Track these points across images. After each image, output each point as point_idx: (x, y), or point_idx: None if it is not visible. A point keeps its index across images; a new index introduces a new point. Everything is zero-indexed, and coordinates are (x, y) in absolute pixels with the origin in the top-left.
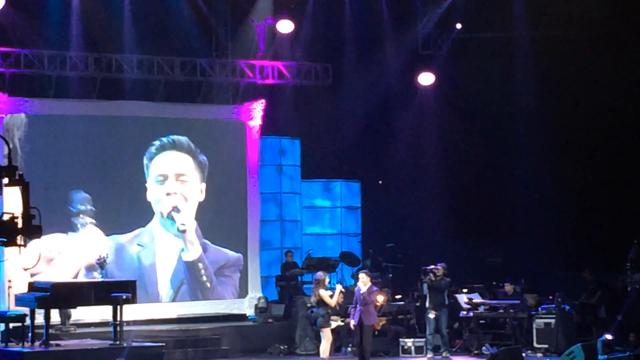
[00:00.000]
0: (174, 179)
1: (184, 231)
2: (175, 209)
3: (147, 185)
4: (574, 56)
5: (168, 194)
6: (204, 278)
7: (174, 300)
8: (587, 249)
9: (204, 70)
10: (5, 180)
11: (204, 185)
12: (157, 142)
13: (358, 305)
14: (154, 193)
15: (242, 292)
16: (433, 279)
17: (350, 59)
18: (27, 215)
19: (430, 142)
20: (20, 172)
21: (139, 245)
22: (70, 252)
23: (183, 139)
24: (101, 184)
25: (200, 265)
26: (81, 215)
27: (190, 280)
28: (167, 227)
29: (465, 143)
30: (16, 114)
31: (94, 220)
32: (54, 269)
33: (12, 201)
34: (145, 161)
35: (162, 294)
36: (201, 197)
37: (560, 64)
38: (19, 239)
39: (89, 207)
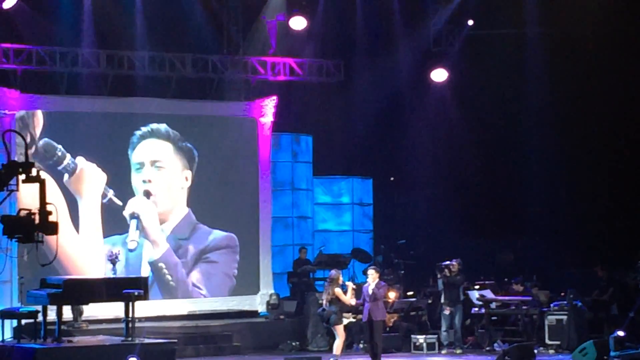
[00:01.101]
0: (149, 165)
1: (131, 250)
2: (133, 215)
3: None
4: (585, 52)
5: (144, 181)
6: (168, 277)
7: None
8: (599, 245)
9: (215, 67)
10: (23, 177)
11: (188, 172)
12: (137, 132)
13: (366, 302)
14: (134, 182)
15: (254, 288)
16: (448, 275)
17: (362, 56)
18: (44, 211)
19: (443, 138)
20: (38, 169)
21: (132, 241)
22: None
23: (162, 126)
24: (112, 180)
25: (162, 265)
26: None
27: (156, 280)
28: None
29: (478, 140)
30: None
31: None
32: None
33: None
34: (129, 152)
35: None
36: (186, 184)
37: (572, 60)
38: (36, 236)
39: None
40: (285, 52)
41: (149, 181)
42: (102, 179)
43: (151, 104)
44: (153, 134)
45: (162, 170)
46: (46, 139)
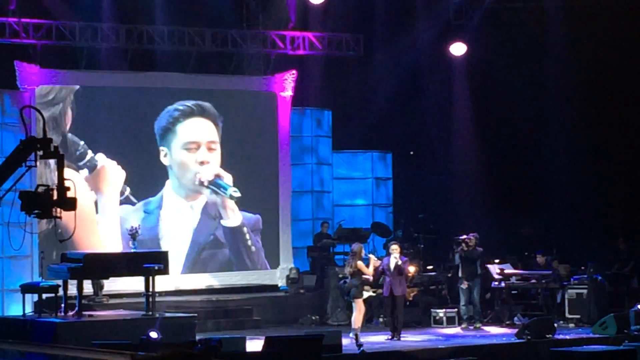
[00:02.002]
0: (206, 147)
1: (238, 197)
2: (218, 177)
3: (166, 148)
4: (606, 24)
5: (202, 163)
6: (249, 242)
7: (193, 266)
8: (621, 218)
9: (235, 41)
10: (41, 153)
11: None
12: (181, 107)
13: (387, 276)
14: (179, 159)
15: (274, 263)
16: (465, 249)
17: (382, 30)
18: (61, 187)
19: (462, 112)
20: (55, 144)
21: (145, 212)
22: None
23: (208, 105)
24: (132, 155)
25: (245, 229)
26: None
27: (235, 246)
28: (207, 194)
29: (497, 113)
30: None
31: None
32: None
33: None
34: (165, 124)
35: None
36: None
37: (593, 31)
38: (54, 211)
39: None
40: (304, 26)
41: (207, 162)
42: (121, 176)
43: (171, 79)
44: (203, 112)
45: (213, 153)
46: (69, 135)
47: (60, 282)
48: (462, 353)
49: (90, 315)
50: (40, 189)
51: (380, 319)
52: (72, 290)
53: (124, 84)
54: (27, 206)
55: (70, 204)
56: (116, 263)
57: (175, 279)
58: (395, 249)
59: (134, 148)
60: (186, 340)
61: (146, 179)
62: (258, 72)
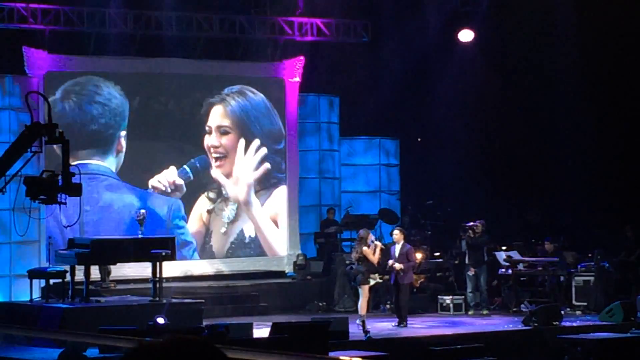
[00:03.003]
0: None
1: None
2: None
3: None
4: (615, 9)
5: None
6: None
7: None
8: (629, 205)
9: (242, 27)
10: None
11: None
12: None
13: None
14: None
15: (281, 249)
16: (472, 235)
17: (390, 16)
18: (67, 173)
19: (470, 99)
20: (61, 130)
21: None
22: None
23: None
24: (140, 140)
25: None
26: None
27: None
28: None
29: (505, 99)
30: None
31: None
32: None
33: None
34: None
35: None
36: None
37: (602, 17)
38: (59, 197)
39: None
40: (312, 12)
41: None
42: None
43: (179, 65)
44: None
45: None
46: None
47: (67, 267)
48: (469, 340)
49: (97, 301)
50: (45, 175)
51: (387, 306)
52: (80, 275)
53: (132, 70)
54: (32, 192)
55: (75, 190)
56: (123, 249)
57: (182, 265)
58: (396, 234)
59: (143, 136)
60: (193, 326)
61: (153, 163)
62: (266, 58)
